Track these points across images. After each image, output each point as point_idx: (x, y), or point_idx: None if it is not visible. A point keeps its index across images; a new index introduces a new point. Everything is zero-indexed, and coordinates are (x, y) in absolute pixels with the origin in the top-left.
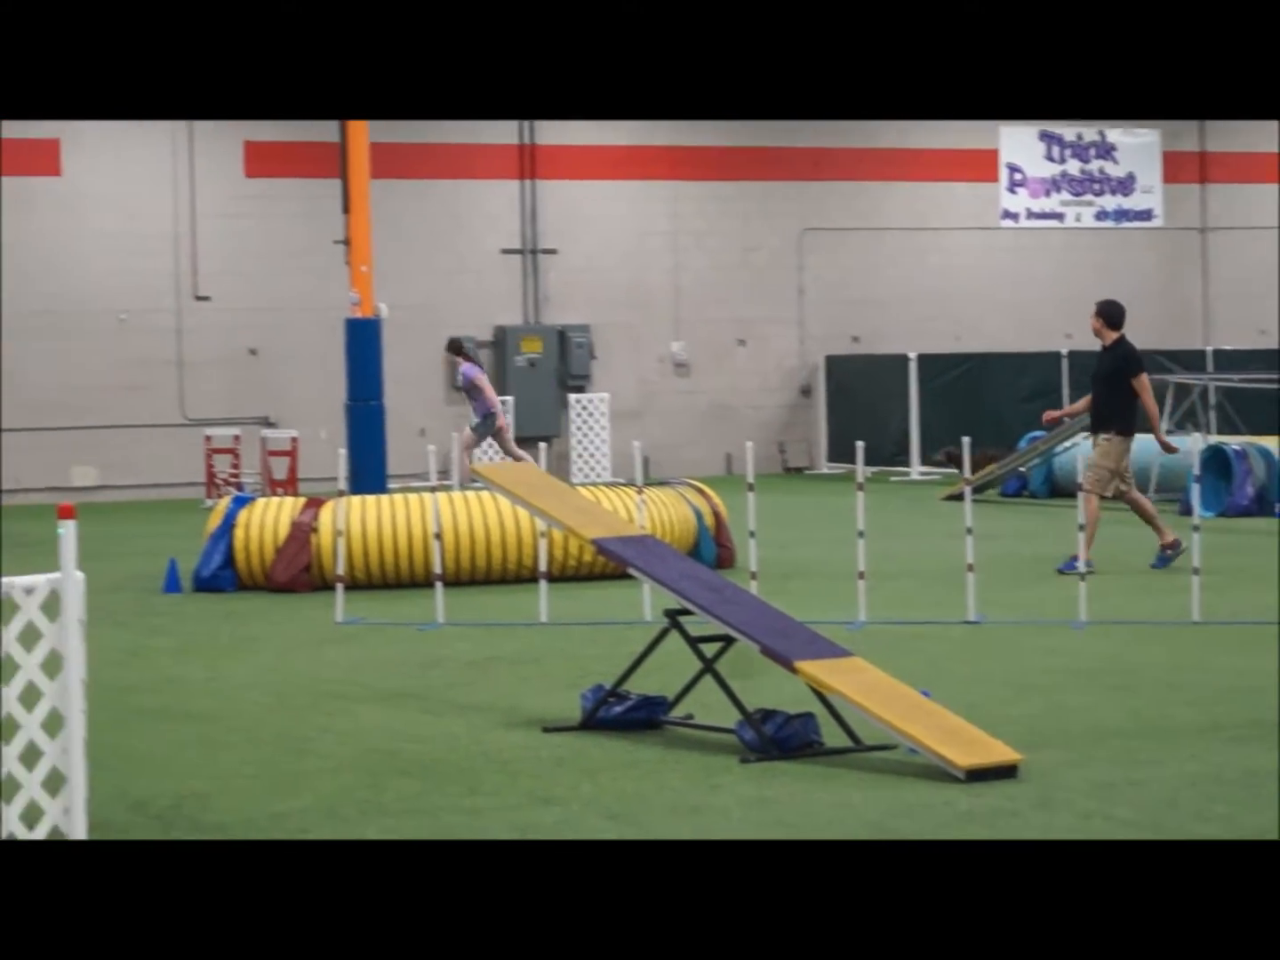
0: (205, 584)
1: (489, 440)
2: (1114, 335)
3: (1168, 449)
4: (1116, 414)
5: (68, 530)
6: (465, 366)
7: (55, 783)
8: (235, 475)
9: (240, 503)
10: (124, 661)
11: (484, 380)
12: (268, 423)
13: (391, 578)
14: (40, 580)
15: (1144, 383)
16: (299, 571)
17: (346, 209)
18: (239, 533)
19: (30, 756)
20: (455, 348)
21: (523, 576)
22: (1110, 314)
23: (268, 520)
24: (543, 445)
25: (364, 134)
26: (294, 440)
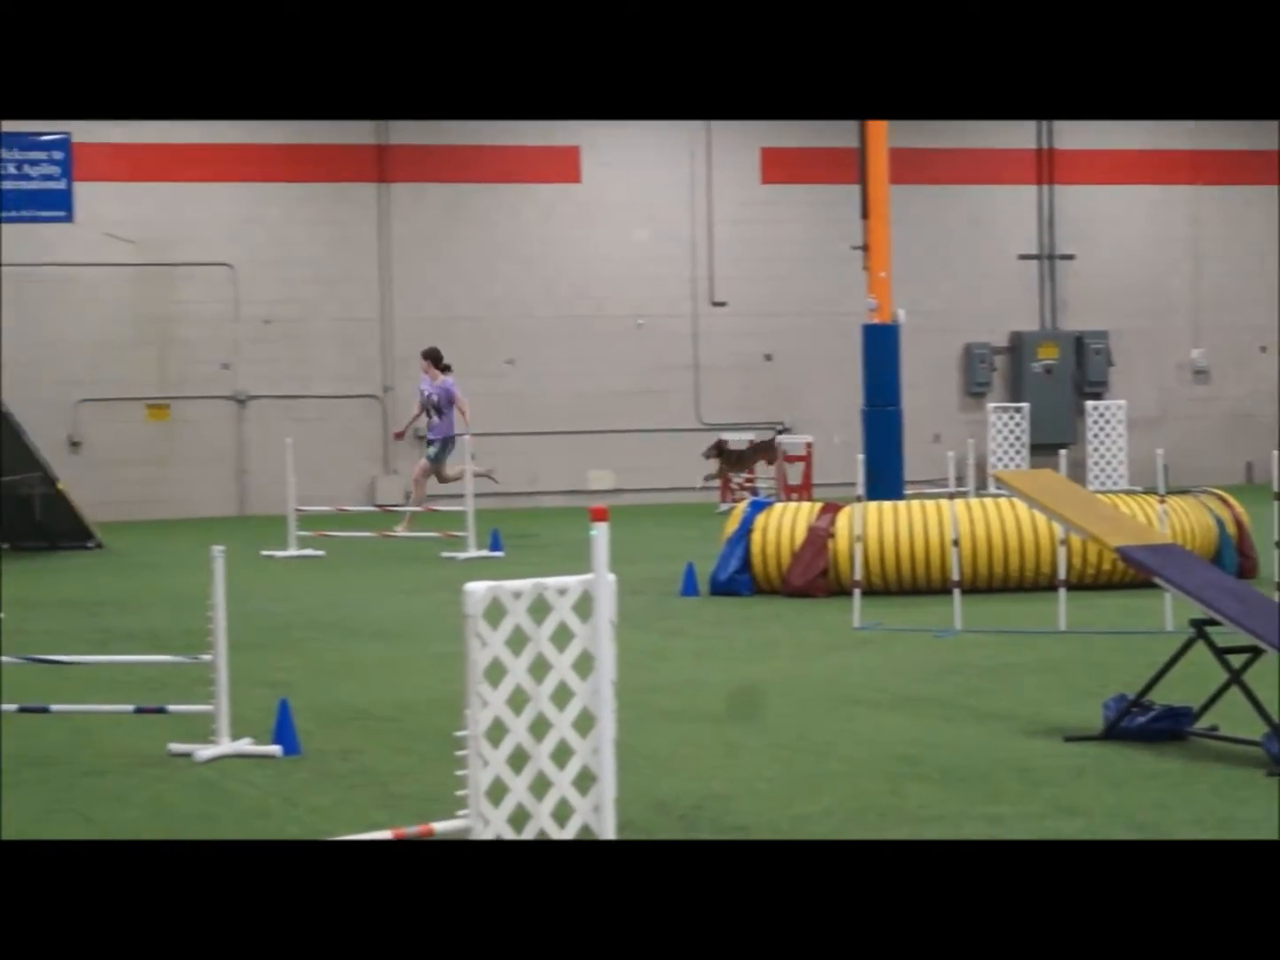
0: (722, 587)
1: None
2: None
3: None
4: None
5: (600, 533)
6: (447, 380)
7: (585, 782)
8: (750, 480)
9: (757, 507)
10: (645, 663)
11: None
12: (782, 428)
13: (908, 584)
14: (573, 581)
15: None
16: (815, 576)
17: (865, 214)
18: (756, 537)
19: (561, 755)
20: (435, 356)
21: (1040, 584)
22: None
23: (784, 525)
24: (1062, 453)
25: (883, 139)
26: (808, 445)
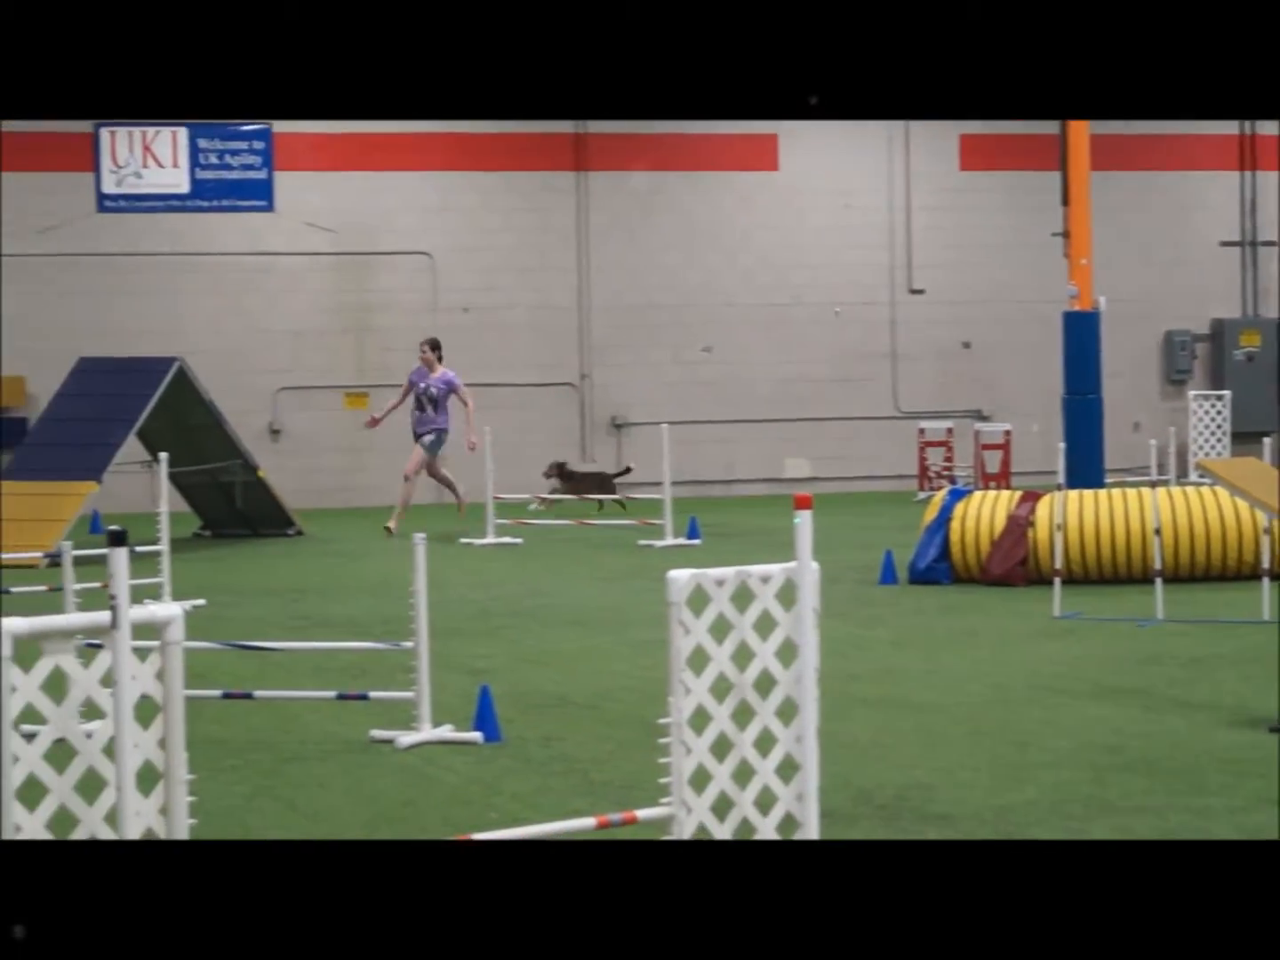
0: (921, 576)
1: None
2: None
3: None
4: None
5: (803, 520)
6: (449, 372)
7: (788, 770)
8: (948, 468)
9: (956, 495)
10: (844, 651)
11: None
12: (980, 416)
13: (1109, 573)
14: (776, 569)
15: None
16: (1015, 565)
17: (1066, 201)
18: (955, 525)
19: (764, 743)
20: (438, 346)
21: (1243, 573)
22: None
23: (984, 513)
24: (1266, 441)
25: (1084, 126)
26: (1007, 434)
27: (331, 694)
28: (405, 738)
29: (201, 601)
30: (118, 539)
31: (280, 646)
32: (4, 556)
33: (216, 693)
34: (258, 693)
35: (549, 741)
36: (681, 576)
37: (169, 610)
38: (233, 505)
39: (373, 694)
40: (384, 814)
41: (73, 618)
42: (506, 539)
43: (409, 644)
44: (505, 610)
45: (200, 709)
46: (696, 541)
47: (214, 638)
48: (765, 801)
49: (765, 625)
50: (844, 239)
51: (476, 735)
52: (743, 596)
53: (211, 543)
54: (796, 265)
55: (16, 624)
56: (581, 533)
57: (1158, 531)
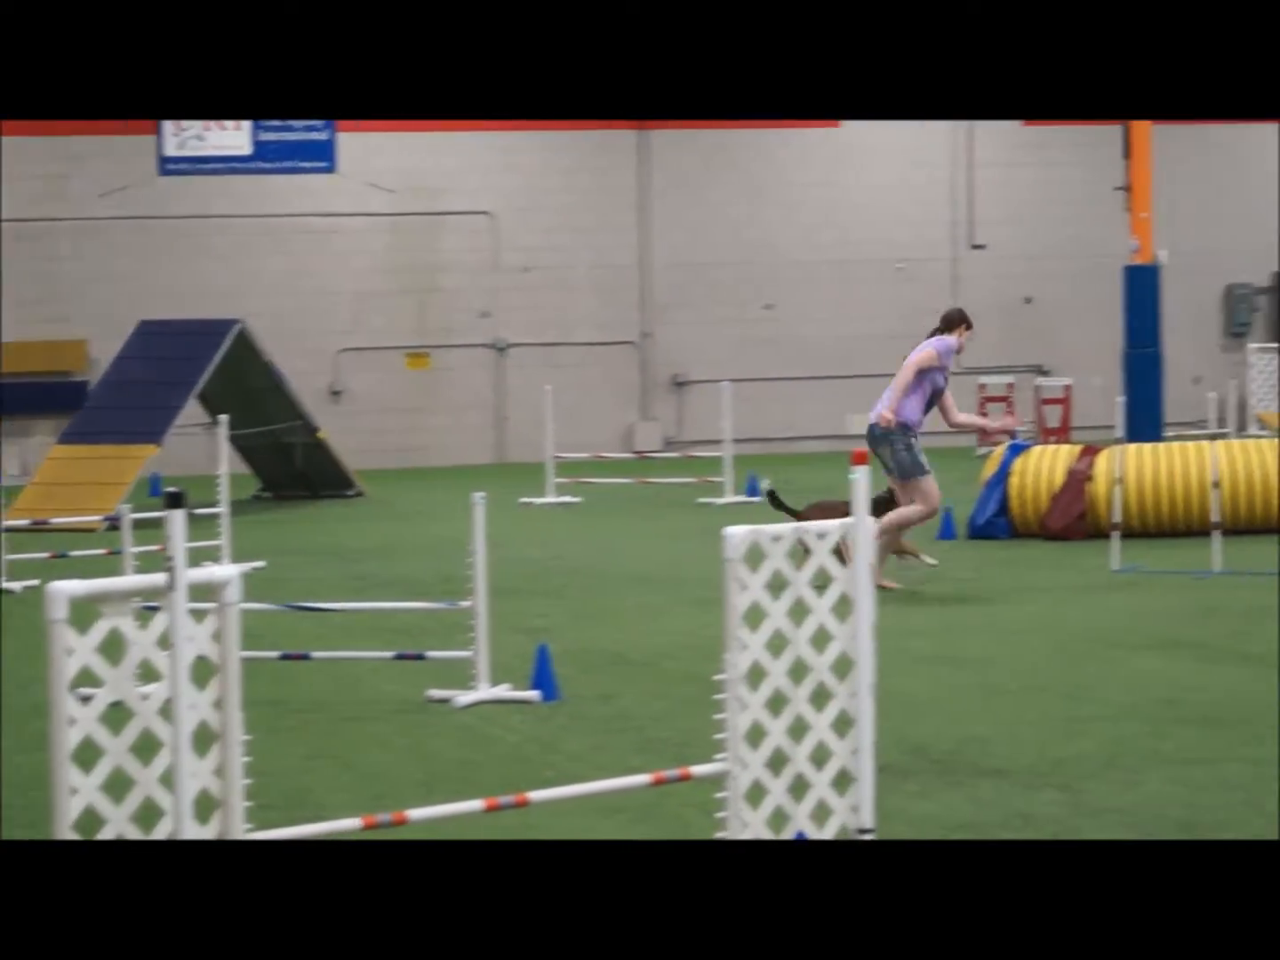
0: (980, 531)
1: None
2: None
3: None
4: None
5: (860, 476)
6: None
7: (843, 725)
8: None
9: (1016, 450)
10: (901, 608)
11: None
12: (1041, 370)
13: (1167, 526)
14: (832, 525)
15: None
16: (1074, 519)
17: (1127, 155)
18: (1014, 480)
19: (820, 699)
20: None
21: None
22: None
23: (1043, 468)
24: None
25: None
26: (1067, 388)
27: (389, 654)
28: (463, 697)
29: (261, 563)
30: (175, 501)
31: (338, 607)
32: (63, 520)
33: (274, 654)
34: (315, 653)
35: (607, 699)
36: (738, 533)
37: (225, 571)
38: (293, 467)
39: (430, 654)
40: (441, 773)
41: (129, 580)
42: (567, 498)
43: (467, 603)
44: (564, 569)
45: (258, 670)
46: (756, 499)
47: (273, 599)
48: (820, 756)
49: (821, 581)
50: (906, 195)
51: (534, 694)
52: (799, 552)
53: (271, 504)
54: (858, 222)
55: (73, 586)
56: (641, 491)
57: (1216, 485)
